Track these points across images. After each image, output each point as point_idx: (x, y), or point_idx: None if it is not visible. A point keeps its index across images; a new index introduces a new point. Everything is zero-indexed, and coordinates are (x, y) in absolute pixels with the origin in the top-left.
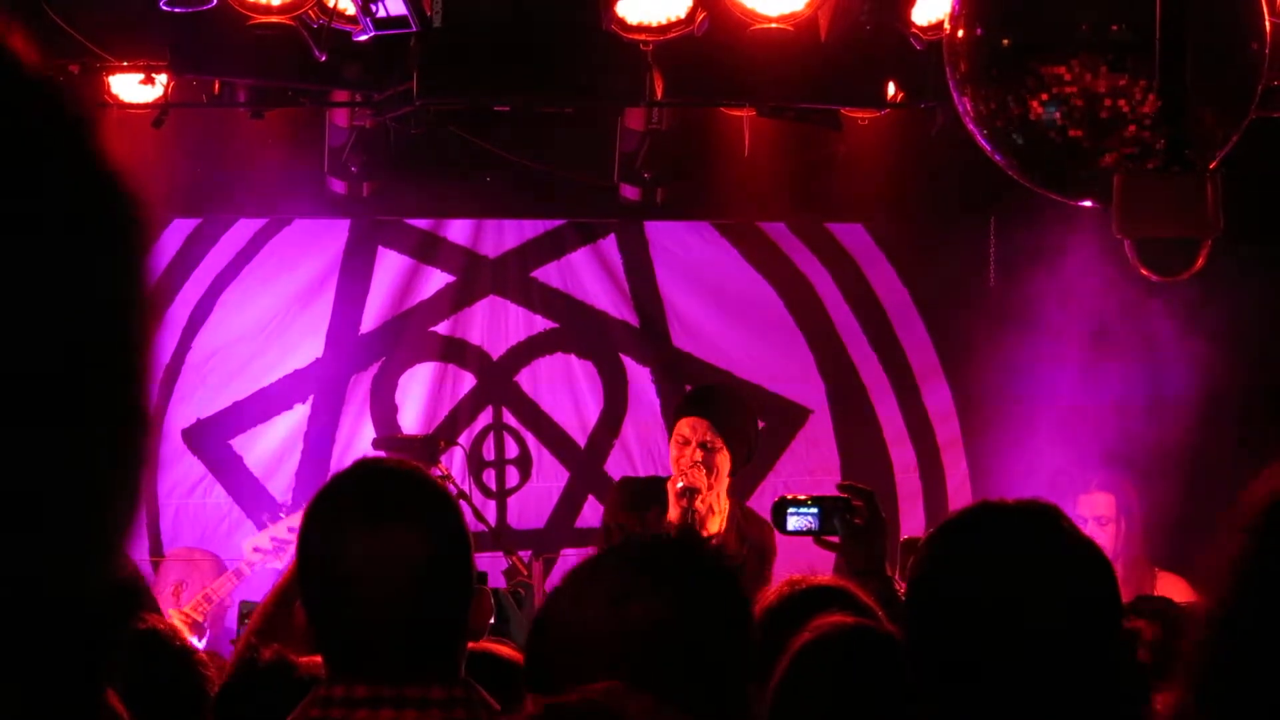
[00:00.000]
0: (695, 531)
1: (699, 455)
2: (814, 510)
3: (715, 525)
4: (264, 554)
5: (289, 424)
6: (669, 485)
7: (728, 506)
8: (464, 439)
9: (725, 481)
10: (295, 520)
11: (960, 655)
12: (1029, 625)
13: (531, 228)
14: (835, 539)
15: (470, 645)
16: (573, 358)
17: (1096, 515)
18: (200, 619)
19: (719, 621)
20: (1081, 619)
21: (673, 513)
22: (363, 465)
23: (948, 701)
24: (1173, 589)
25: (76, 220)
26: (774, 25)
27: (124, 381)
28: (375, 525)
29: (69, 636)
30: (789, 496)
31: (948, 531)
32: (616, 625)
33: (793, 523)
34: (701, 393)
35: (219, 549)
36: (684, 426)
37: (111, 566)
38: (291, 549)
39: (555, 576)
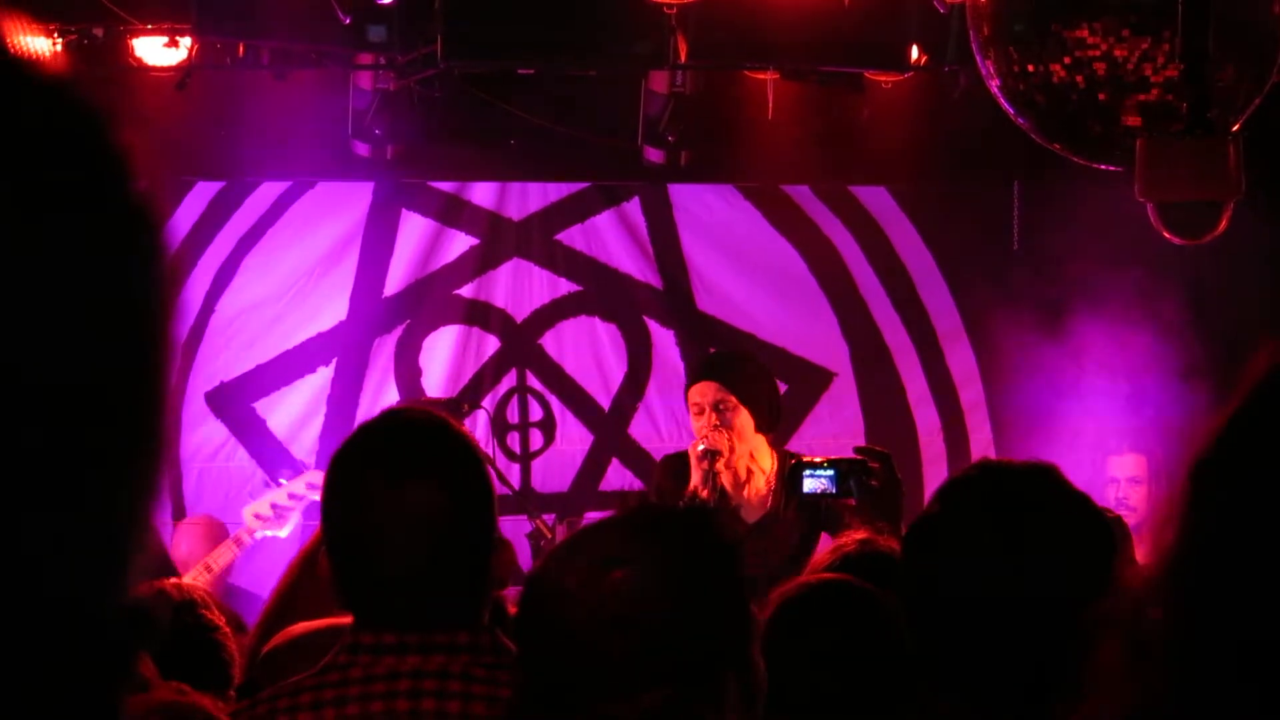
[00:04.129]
0: (701, 503)
1: (715, 418)
2: (830, 473)
3: (760, 483)
4: (265, 521)
5: (312, 387)
6: (690, 450)
7: (772, 463)
8: (488, 402)
9: (754, 439)
10: (298, 486)
11: (956, 613)
12: (1024, 583)
13: (555, 190)
14: (852, 501)
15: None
16: (596, 320)
17: (1129, 476)
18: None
19: (706, 594)
20: (1076, 576)
21: (695, 478)
22: (387, 415)
23: (944, 658)
24: None
25: (91, 230)
26: None
27: (139, 400)
28: (398, 475)
29: (81, 659)
30: (805, 459)
31: (946, 491)
32: (597, 588)
33: (808, 485)
34: (707, 358)
35: (242, 514)
36: (694, 394)
37: (124, 591)
38: (293, 516)
39: None
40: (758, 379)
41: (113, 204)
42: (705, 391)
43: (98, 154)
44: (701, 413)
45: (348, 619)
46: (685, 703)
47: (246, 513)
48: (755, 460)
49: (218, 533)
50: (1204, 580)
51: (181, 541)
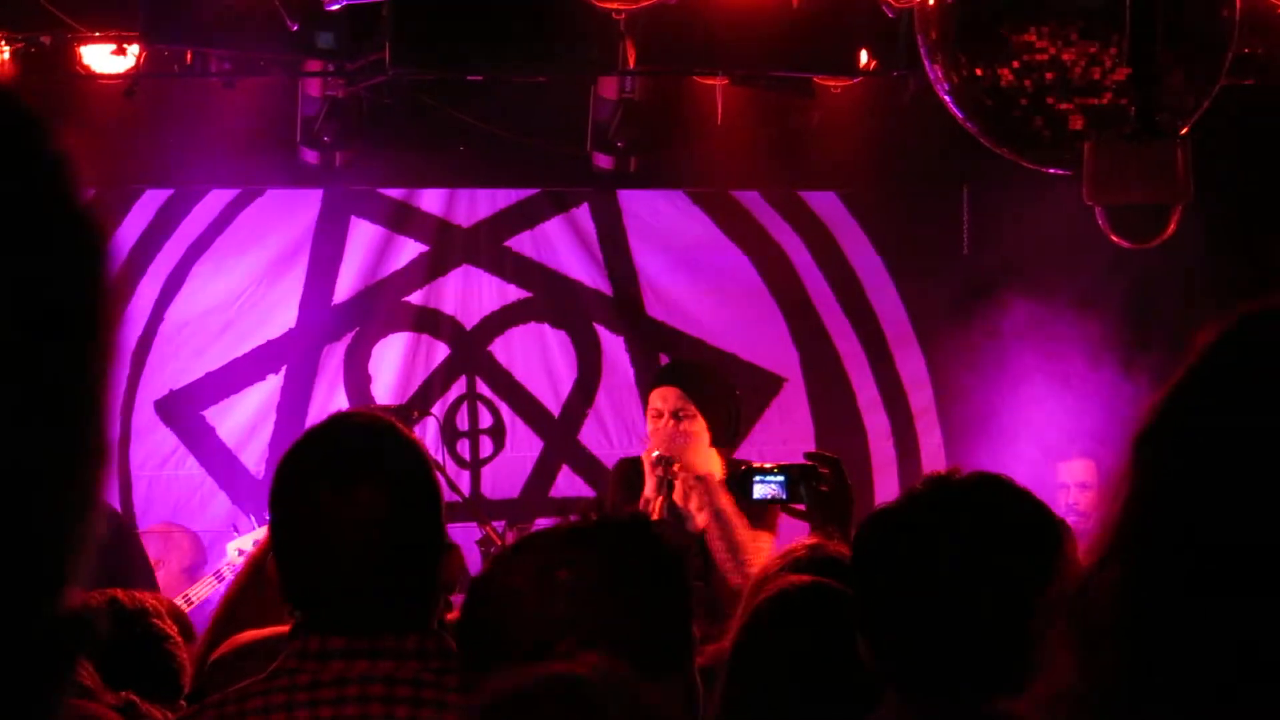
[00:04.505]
0: (638, 512)
1: (672, 424)
2: (780, 478)
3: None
4: (247, 557)
5: (262, 395)
6: (644, 456)
7: (722, 474)
8: (437, 409)
9: (707, 451)
10: None
11: (903, 625)
12: (971, 595)
13: (505, 197)
14: (802, 506)
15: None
16: (546, 327)
17: (1078, 481)
18: None
19: (651, 600)
20: (1025, 587)
21: (649, 484)
22: (333, 420)
23: (892, 667)
24: None
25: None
26: None
27: (82, 408)
28: (345, 480)
29: (19, 664)
30: (755, 465)
31: (893, 503)
32: (544, 592)
33: (758, 490)
34: (673, 364)
35: (192, 521)
36: (655, 398)
37: (64, 600)
38: None
39: None
40: (720, 391)
41: (55, 209)
42: (666, 396)
43: (38, 159)
44: (659, 417)
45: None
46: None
47: (230, 548)
48: (701, 468)
49: (181, 539)
50: (1151, 554)
51: (148, 548)
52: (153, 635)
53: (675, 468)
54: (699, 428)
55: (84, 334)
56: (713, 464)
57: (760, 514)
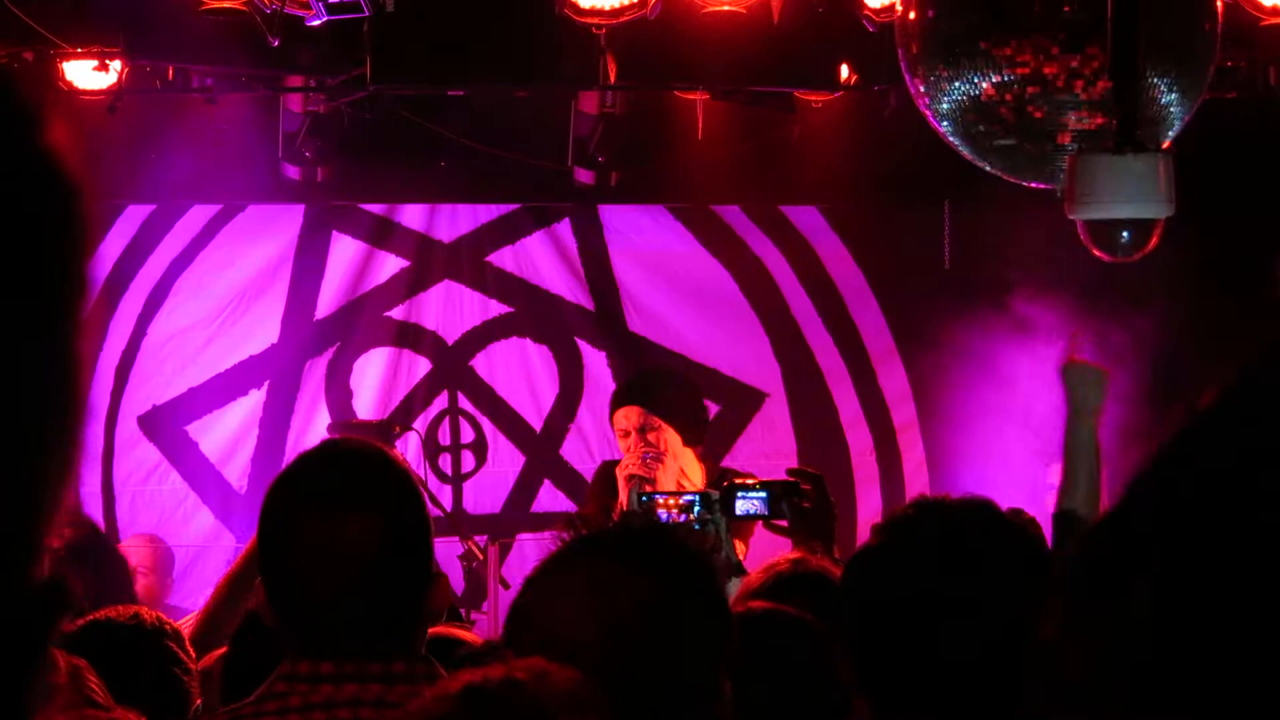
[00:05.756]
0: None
1: (640, 442)
2: (762, 494)
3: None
4: (222, 577)
5: (244, 410)
6: (618, 471)
7: (701, 476)
8: (419, 424)
9: (682, 453)
10: None
11: (894, 649)
12: (963, 620)
13: (486, 212)
14: (784, 522)
15: (433, 630)
16: (528, 342)
17: None
18: None
19: (696, 613)
20: (1016, 612)
21: (623, 498)
22: (325, 446)
23: (881, 691)
24: None
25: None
26: (727, 8)
27: (55, 376)
28: (336, 507)
29: None
30: (737, 481)
31: (883, 530)
32: (594, 615)
33: (740, 507)
34: (628, 381)
35: (175, 536)
36: (619, 419)
37: (32, 571)
38: None
39: (510, 561)
40: (680, 395)
41: (23, 160)
42: (630, 416)
43: (6, 112)
44: (627, 435)
45: None
46: None
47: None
48: (685, 474)
49: (161, 553)
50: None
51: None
52: (166, 656)
53: (648, 487)
54: (669, 436)
55: (53, 287)
56: (691, 466)
57: (739, 525)
